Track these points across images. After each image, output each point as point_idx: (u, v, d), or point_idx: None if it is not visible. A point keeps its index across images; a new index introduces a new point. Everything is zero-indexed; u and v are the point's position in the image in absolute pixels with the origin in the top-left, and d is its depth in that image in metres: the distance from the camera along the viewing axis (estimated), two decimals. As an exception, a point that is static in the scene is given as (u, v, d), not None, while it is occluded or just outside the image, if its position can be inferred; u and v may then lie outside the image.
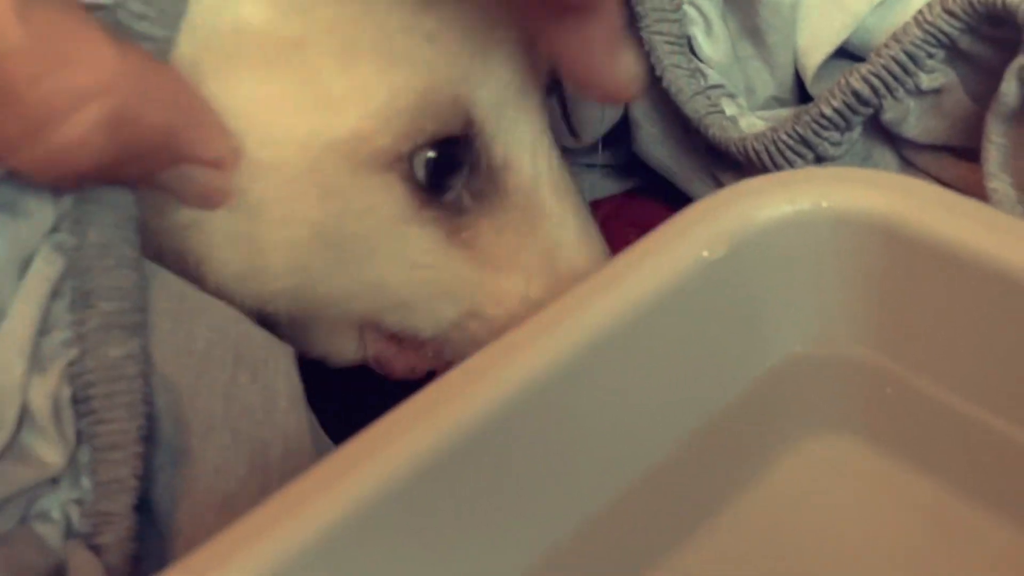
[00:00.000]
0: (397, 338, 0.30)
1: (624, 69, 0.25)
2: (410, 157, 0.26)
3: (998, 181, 0.28)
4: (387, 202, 0.26)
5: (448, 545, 0.21)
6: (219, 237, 0.26)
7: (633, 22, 0.33)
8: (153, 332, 0.24)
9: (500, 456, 0.21)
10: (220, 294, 0.26)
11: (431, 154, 0.27)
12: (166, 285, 0.24)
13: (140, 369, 0.23)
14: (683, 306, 0.23)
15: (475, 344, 0.27)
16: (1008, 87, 0.27)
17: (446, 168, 0.27)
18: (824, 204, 0.23)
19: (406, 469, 0.20)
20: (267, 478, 0.23)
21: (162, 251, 0.26)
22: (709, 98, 0.32)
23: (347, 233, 0.26)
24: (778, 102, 0.32)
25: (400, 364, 0.30)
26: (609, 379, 0.22)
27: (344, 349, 0.30)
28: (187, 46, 0.24)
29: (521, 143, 0.28)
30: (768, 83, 0.32)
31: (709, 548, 0.23)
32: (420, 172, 0.27)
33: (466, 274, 0.28)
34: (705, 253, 0.23)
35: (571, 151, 0.36)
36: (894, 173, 0.25)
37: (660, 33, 0.32)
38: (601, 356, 0.22)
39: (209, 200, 0.25)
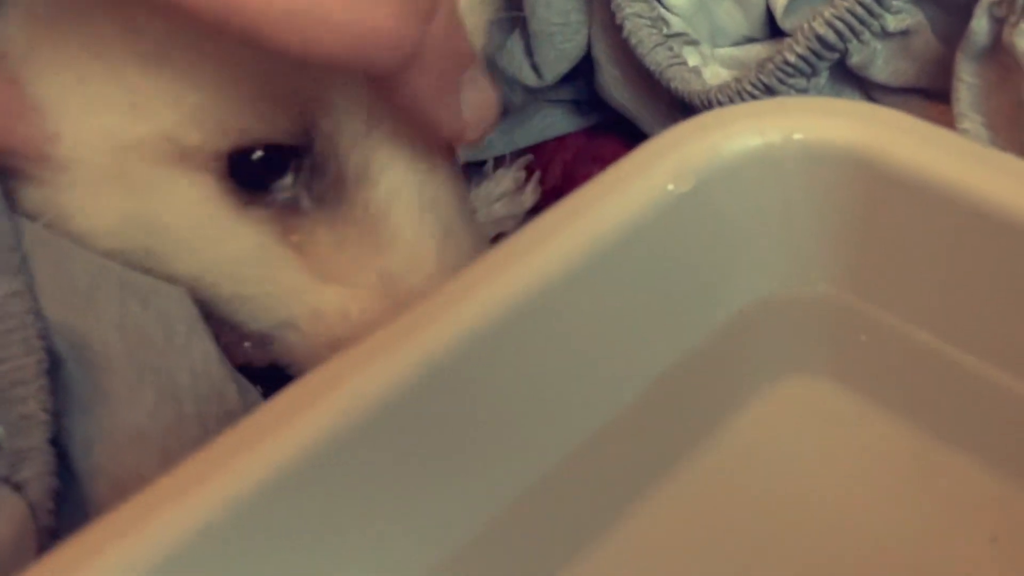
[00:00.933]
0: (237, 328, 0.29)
1: (459, 116, 0.25)
2: (229, 156, 0.26)
3: (969, 121, 0.27)
4: (200, 199, 0.26)
5: (399, 496, 0.20)
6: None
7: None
8: (35, 279, 0.23)
9: (454, 402, 0.20)
10: None
11: (257, 155, 0.26)
12: (37, 233, 0.24)
13: (28, 306, 0.22)
14: (646, 243, 0.22)
15: (297, 351, 0.27)
16: (978, 24, 0.26)
17: (274, 171, 0.26)
18: (795, 136, 0.22)
19: (345, 418, 0.19)
20: (179, 406, 0.23)
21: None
22: (671, 49, 0.31)
23: (160, 225, 0.26)
24: (749, 41, 0.31)
25: (236, 355, 0.29)
26: (568, 321, 0.21)
27: None
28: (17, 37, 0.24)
29: (380, 159, 0.27)
30: (740, 23, 0.31)
31: (677, 496, 0.22)
32: (243, 172, 0.26)
33: (289, 278, 0.27)
34: (670, 187, 0.22)
35: (535, 89, 0.35)
36: (868, 103, 0.24)
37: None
38: (558, 296, 0.21)
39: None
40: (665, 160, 0.22)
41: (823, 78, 0.29)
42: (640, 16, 0.31)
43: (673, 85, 0.31)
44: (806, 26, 0.28)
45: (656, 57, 0.31)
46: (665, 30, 0.31)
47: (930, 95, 0.28)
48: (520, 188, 0.35)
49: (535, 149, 0.38)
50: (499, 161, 0.37)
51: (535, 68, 0.35)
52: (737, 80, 0.29)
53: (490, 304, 0.20)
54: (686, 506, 0.21)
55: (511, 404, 0.21)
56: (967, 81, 0.27)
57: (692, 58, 0.31)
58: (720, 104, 0.30)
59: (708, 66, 0.31)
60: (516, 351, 0.21)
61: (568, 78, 0.36)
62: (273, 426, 0.18)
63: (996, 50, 0.26)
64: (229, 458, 0.18)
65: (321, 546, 0.19)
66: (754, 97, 0.29)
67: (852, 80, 0.30)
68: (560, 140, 0.37)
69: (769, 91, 0.29)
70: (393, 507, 0.20)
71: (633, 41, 0.31)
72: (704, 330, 0.23)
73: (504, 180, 0.35)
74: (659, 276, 0.22)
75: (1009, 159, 0.21)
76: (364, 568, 0.20)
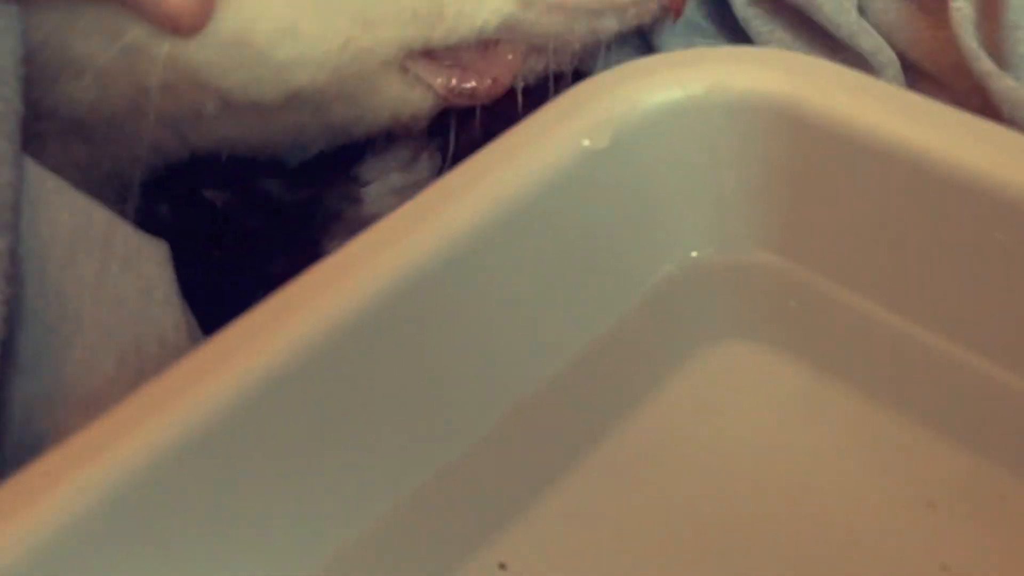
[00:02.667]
0: (454, 58, 0.27)
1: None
2: None
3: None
4: None
5: (317, 461, 0.19)
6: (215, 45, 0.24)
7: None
8: (23, 234, 0.21)
9: (358, 374, 0.19)
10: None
11: None
12: (38, 178, 0.22)
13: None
14: (562, 203, 0.20)
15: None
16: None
17: None
18: (719, 86, 0.21)
19: (257, 379, 0.18)
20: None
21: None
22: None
23: None
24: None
25: (480, 80, 0.28)
26: (482, 287, 0.20)
27: (410, 99, 0.28)
28: None
29: None
30: None
31: (610, 462, 0.20)
32: None
33: None
34: (586, 142, 0.21)
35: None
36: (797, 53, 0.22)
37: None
38: (466, 260, 0.19)
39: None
40: (579, 115, 0.20)
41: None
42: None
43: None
44: None
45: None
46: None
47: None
48: (416, 157, 0.33)
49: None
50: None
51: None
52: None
53: (393, 269, 0.19)
54: (620, 473, 0.20)
55: (425, 375, 0.20)
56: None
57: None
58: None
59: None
60: (420, 320, 0.19)
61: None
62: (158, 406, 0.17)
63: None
64: (108, 443, 0.17)
65: (219, 531, 0.18)
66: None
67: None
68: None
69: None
70: (311, 479, 0.19)
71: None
72: (631, 295, 0.22)
73: (401, 150, 0.33)
74: (577, 239, 0.21)
75: (945, 109, 0.20)
76: (274, 548, 0.19)
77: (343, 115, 0.27)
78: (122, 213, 0.24)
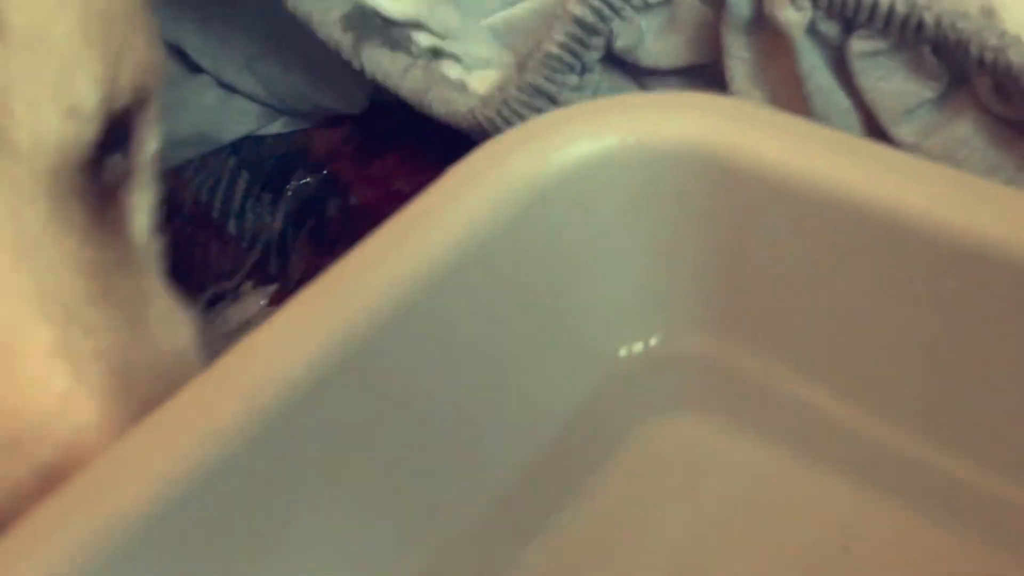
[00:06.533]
0: None
1: None
2: None
3: (750, 98, 0.25)
4: None
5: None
6: None
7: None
8: None
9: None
10: None
11: None
12: None
13: None
14: (465, 287, 0.18)
15: None
16: (736, -7, 0.24)
17: None
18: (633, 138, 0.19)
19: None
20: None
21: None
22: (424, 68, 0.28)
23: None
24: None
25: None
26: (379, 391, 0.18)
27: None
28: None
29: None
30: None
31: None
32: None
33: None
34: (487, 214, 0.18)
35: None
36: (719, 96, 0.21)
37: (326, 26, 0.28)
38: (362, 357, 0.17)
39: None
40: (482, 182, 0.19)
41: (597, 72, 0.27)
42: (378, 48, 0.28)
43: (435, 110, 0.28)
44: (561, 10, 0.26)
45: (411, 84, 0.28)
46: (414, 49, 0.28)
47: (707, 77, 0.26)
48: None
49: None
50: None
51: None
52: (500, 89, 0.27)
53: (282, 372, 0.17)
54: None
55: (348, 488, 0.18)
56: (739, 56, 0.25)
57: (452, 70, 0.28)
58: (489, 120, 0.27)
59: (472, 73, 0.28)
60: (322, 420, 0.17)
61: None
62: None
63: (761, 21, 0.24)
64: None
65: None
66: (523, 103, 0.26)
67: (629, 72, 0.27)
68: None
69: (539, 92, 0.26)
70: None
71: (380, 78, 0.28)
72: (560, 383, 0.20)
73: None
74: (484, 326, 0.19)
75: (886, 152, 0.19)
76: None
77: None
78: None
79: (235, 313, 0.29)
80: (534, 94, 0.26)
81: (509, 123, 0.26)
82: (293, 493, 0.17)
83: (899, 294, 0.19)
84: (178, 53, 0.33)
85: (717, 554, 0.19)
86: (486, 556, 0.19)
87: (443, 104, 0.27)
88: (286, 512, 0.17)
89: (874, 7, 0.22)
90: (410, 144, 0.29)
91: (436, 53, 0.28)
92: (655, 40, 0.26)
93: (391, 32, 0.28)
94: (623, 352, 0.21)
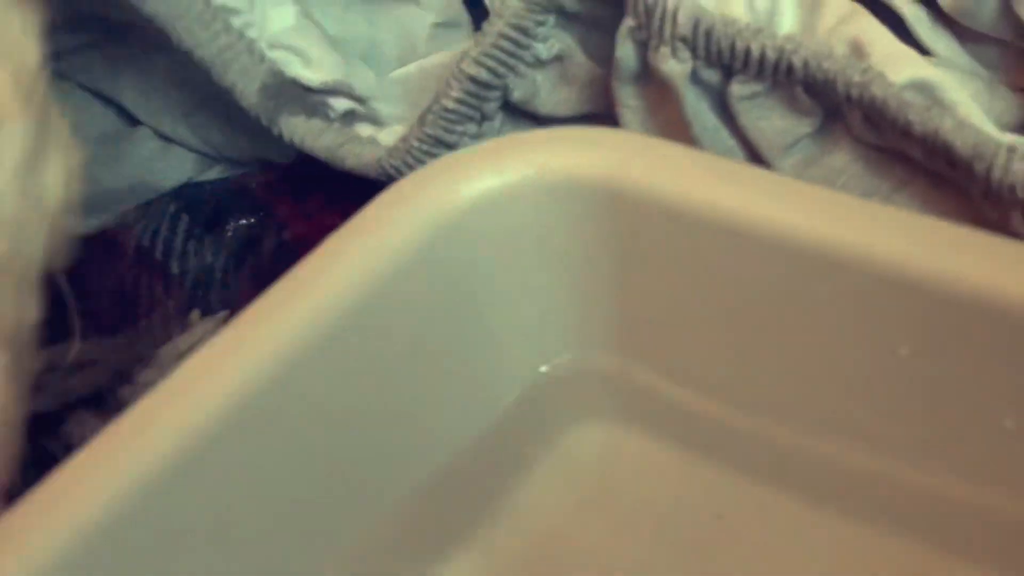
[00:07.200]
0: None
1: None
2: None
3: (643, 140, 0.27)
4: None
5: None
6: None
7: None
8: None
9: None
10: None
11: None
12: None
13: None
14: (386, 314, 0.19)
15: None
16: (623, 50, 0.25)
17: None
18: (534, 171, 0.20)
19: None
20: None
21: None
22: (338, 130, 0.29)
23: None
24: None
25: None
26: (299, 419, 0.19)
27: None
28: None
29: None
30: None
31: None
32: None
33: None
34: (399, 251, 0.19)
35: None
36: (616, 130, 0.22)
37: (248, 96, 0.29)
38: (283, 390, 0.18)
39: None
40: (394, 217, 0.20)
41: (497, 120, 0.28)
42: (294, 116, 0.29)
43: (348, 165, 0.29)
44: (456, 68, 0.27)
45: (325, 143, 0.29)
46: (331, 114, 0.29)
47: (603, 123, 0.28)
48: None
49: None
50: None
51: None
52: (403, 140, 0.28)
53: (198, 409, 0.17)
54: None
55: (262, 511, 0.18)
56: (629, 105, 0.26)
57: (364, 130, 0.29)
58: (396, 170, 0.28)
59: (383, 128, 0.29)
60: (253, 449, 0.18)
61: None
62: None
63: (648, 73, 0.26)
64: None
65: None
66: (426, 152, 0.27)
67: (528, 118, 0.29)
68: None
69: (439, 142, 0.27)
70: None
71: (296, 141, 0.29)
72: (474, 407, 0.21)
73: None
74: (410, 349, 0.20)
75: (767, 176, 0.20)
76: None
77: None
78: None
79: (184, 341, 0.30)
80: (434, 144, 0.27)
81: (413, 170, 0.27)
82: (192, 535, 0.18)
83: (780, 306, 0.20)
84: (116, 107, 0.34)
85: (637, 556, 0.20)
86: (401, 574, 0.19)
87: (355, 158, 0.28)
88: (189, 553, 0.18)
89: (747, 54, 0.24)
90: (339, 183, 0.30)
91: (350, 116, 0.29)
92: (550, 93, 0.28)
93: (309, 99, 0.29)
94: (543, 368, 0.22)
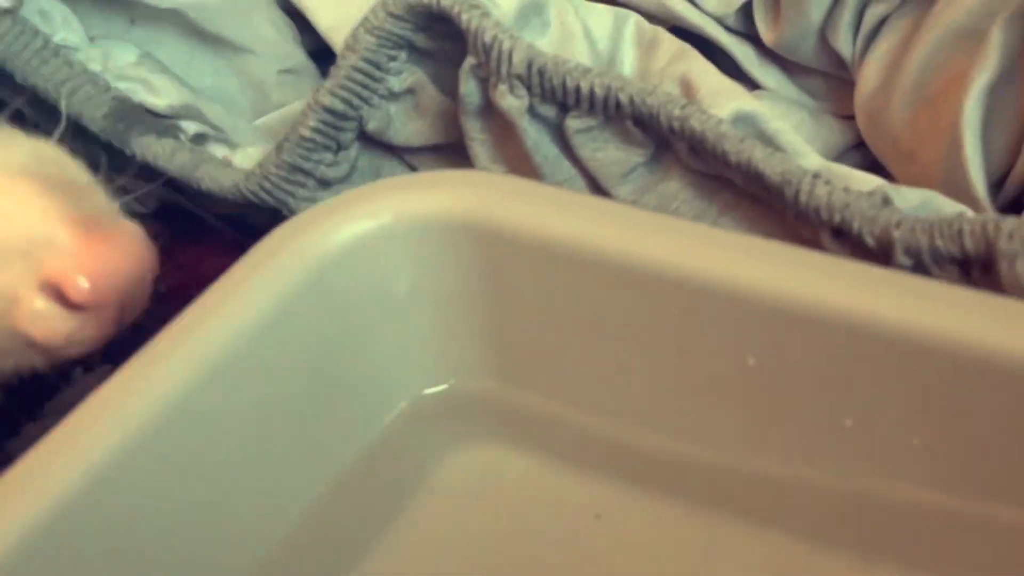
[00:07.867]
0: None
1: None
2: None
3: (493, 172, 0.28)
4: None
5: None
6: None
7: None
8: None
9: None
10: None
11: None
12: None
13: None
14: (270, 353, 0.20)
15: None
16: (467, 87, 0.27)
17: None
18: (403, 214, 0.22)
19: None
20: None
21: None
22: (191, 150, 0.30)
23: None
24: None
25: None
26: (195, 454, 0.20)
27: None
28: None
29: None
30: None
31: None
32: None
33: None
34: (279, 292, 0.20)
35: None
36: (489, 172, 0.23)
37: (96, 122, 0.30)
38: (175, 429, 0.19)
39: None
40: (274, 262, 0.21)
41: (353, 149, 0.29)
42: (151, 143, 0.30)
43: (204, 187, 0.30)
44: (312, 99, 0.28)
45: (180, 162, 0.30)
46: (183, 137, 0.30)
47: (456, 150, 0.29)
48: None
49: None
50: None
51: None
52: (260, 165, 0.29)
53: (93, 451, 0.19)
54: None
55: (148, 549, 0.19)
56: (477, 138, 0.28)
57: (218, 150, 0.30)
58: (254, 194, 0.29)
59: (237, 151, 0.30)
60: (140, 490, 0.19)
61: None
62: None
63: (491, 107, 0.27)
64: None
65: None
66: (284, 179, 0.28)
67: (381, 146, 0.30)
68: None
69: (297, 169, 0.28)
70: None
71: (150, 158, 0.29)
72: (352, 442, 0.22)
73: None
74: (293, 387, 0.21)
75: (613, 206, 0.22)
76: None
77: None
78: None
79: (69, 396, 0.30)
80: (291, 171, 0.28)
81: (271, 195, 0.28)
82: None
83: (638, 325, 0.22)
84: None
85: (522, 554, 0.21)
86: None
87: (212, 180, 0.29)
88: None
89: (577, 91, 0.26)
90: (211, 234, 0.31)
91: (201, 137, 0.30)
92: (403, 124, 0.29)
93: (158, 122, 0.30)
94: (425, 393, 0.23)
